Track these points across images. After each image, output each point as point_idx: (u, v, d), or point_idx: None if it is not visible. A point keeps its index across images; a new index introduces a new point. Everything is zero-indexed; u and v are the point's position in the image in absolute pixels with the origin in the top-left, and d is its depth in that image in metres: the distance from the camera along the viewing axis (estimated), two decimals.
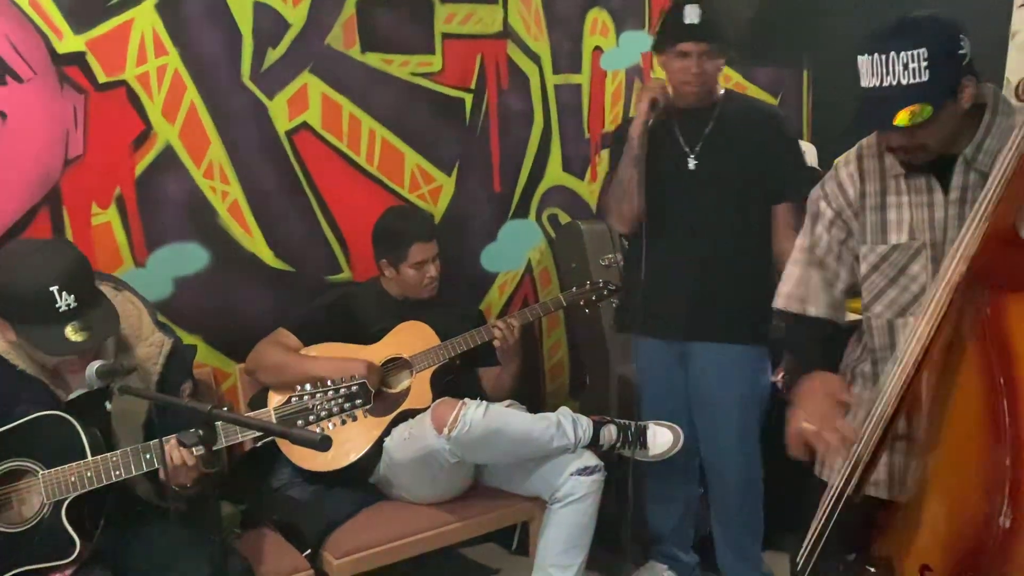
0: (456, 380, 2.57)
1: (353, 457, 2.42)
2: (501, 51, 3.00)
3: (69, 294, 1.78)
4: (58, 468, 1.82)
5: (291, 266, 2.71)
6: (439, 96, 2.90)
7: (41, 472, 1.83)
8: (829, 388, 1.73)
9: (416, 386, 2.50)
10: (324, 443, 1.43)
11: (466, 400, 2.33)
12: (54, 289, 1.77)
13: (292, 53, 2.62)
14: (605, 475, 2.43)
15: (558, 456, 2.40)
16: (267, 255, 2.67)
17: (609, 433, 2.44)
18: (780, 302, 1.90)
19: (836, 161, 1.83)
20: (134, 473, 1.85)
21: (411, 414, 2.47)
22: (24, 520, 1.83)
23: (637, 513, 2.72)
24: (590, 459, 2.41)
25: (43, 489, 1.82)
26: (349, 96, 2.73)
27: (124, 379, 1.81)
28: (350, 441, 2.43)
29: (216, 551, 1.69)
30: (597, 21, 3.19)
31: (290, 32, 2.62)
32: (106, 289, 2.01)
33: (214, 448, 1.67)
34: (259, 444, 2.48)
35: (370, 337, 2.55)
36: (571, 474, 2.37)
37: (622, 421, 2.49)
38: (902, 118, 1.52)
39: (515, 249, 3.15)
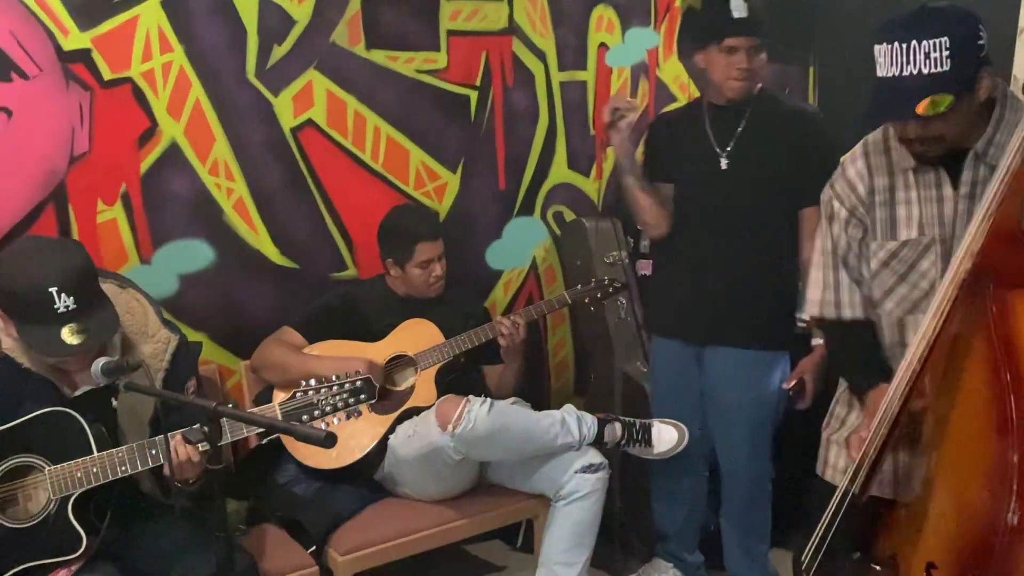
0: (461, 378, 2.57)
1: (358, 454, 2.42)
2: (506, 48, 3.00)
3: (69, 296, 1.78)
4: (64, 464, 1.83)
5: (296, 263, 2.71)
6: (444, 93, 2.89)
7: (47, 468, 1.83)
8: None
9: (421, 384, 2.51)
10: (329, 440, 1.43)
11: (470, 397, 2.33)
12: (53, 290, 1.77)
13: (297, 50, 2.62)
14: (610, 473, 2.43)
15: (563, 454, 2.40)
16: (272, 252, 2.67)
17: (614, 431, 2.44)
18: (814, 309, 1.87)
19: (843, 159, 1.82)
20: (140, 469, 1.85)
21: (416, 412, 2.47)
22: (31, 516, 1.84)
23: (642, 510, 2.72)
24: (595, 457, 2.41)
25: (49, 485, 1.82)
26: (354, 93, 2.73)
27: (130, 376, 1.82)
28: (355, 438, 2.43)
29: (221, 547, 1.69)
30: (603, 18, 3.19)
31: (295, 29, 2.62)
32: (111, 287, 2.01)
33: (219, 444, 1.67)
34: (264, 440, 2.48)
35: (374, 335, 2.55)
36: (576, 472, 2.37)
37: (627, 419, 2.49)
38: (925, 107, 1.51)
39: (520, 247, 3.15)
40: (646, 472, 2.65)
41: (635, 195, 2.43)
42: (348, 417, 1.86)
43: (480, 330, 2.54)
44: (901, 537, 1.62)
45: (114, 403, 1.92)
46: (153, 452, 1.86)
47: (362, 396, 1.87)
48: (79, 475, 1.82)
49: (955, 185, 1.65)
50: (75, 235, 2.36)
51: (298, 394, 1.88)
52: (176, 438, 1.83)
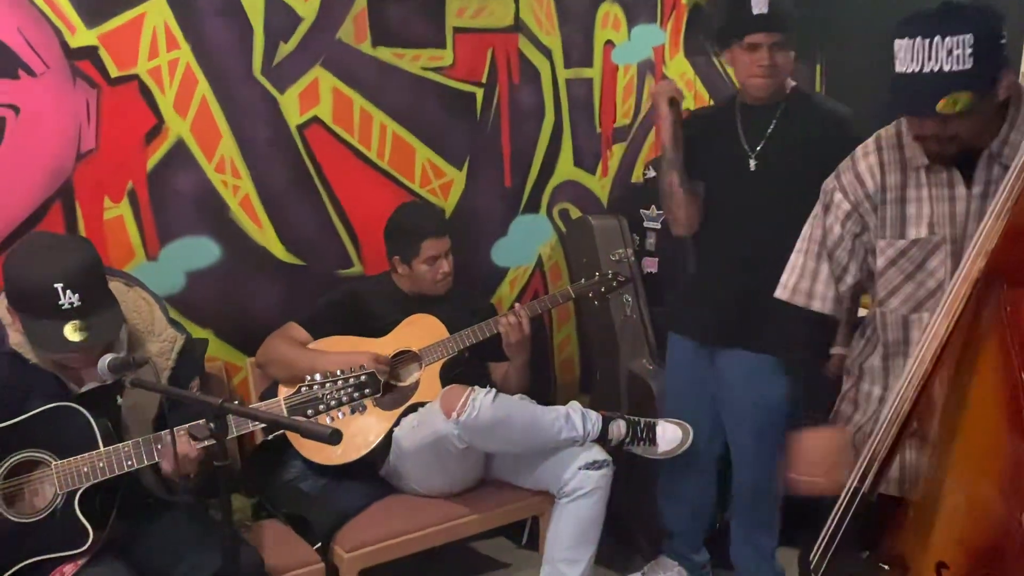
0: (466, 373, 2.57)
1: (363, 450, 2.42)
2: (512, 45, 2.99)
3: (74, 293, 1.78)
4: (71, 459, 1.83)
5: (302, 260, 2.72)
6: (450, 90, 2.89)
7: (54, 463, 1.84)
8: (833, 445, 1.73)
9: (425, 379, 2.51)
10: (334, 437, 1.43)
11: (476, 387, 2.34)
12: (58, 286, 1.77)
13: (303, 47, 2.62)
14: (613, 469, 2.42)
15: (566, 449, 2.40)
16: (278, 249, 2.68)
17: (618, 428, 2.44)
18: (784, 293, 1.87)
19: (854, 151, 1.80)
20: (146, 463, 1.86)
21: (421, 407, 2.47)
22: (37, 510, 1.84)
23: (648, 508, 2.72)
24: (598, 453, 2.41)
25: (56, 480, 1.83)
26: (360, 90, 2.73)
27: (136, 373, 1.82)
28: (360, 434, 2.43)
29: (227, 543, 1.69)
30: (609, 15, 3.18)
31: (301, 26, 2.62)
32: (118, 285, 2.02)
33: (224, 440, 1.67)
34: (270, 437, 2.48)
35: (379, 331, 2.55)
36: (579, 468, 2.37)
37: (632, 417, 2.48)
38: (945, 104, 1.49)
39: (526, 244, 3.15)
40: (652, 470, 2.64)
41: (674, 190, 2.39)
42: (353, 411, 1.86)
43: (484, 324, 2.54)
44: (911, 536, 1.61)
45: (119, 400, 1.93)
46: (159, 447, 1.87)
47: (366, 390, 1.87)
48: (86, 470, 1.83)
49: (968, 184, 1.63)
50: (82, 232, 2.36)
51: (303, 389, 1.88)
52: (181, 434, 1.83)
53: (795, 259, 1.86)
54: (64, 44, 2.29)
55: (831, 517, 1.64)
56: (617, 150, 3.29)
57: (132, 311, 2.02)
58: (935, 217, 1.66)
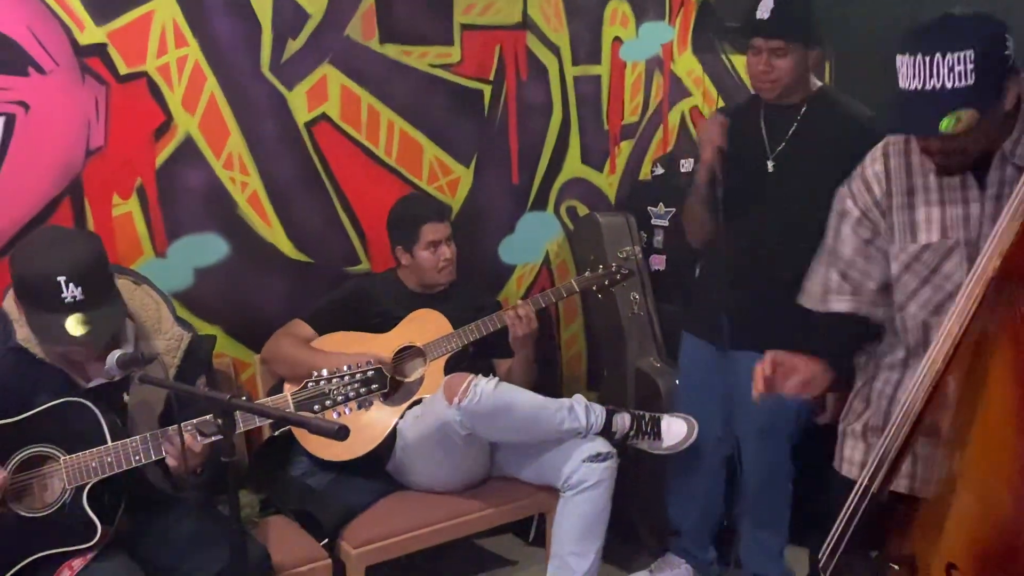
0: (470, 369, 2.57)
1: (370, 445, 2.42)
2: (520, 42, 2.99)
3: (77, 286, 1.79)
4: (79, 454, 1.84)
5: (310, 257, 2.72)
6: (458, 88, 2.89)
7: (62, 458, 1.84)
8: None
9: (430, 375, 2.51)
10: (342, 432, 1.43)
11: (479, 374, 2.34)
12: (61, 279, 1.78)
13: (311, 44, 2.63)
14: (618, 462, 2.42)
15: (570, 441, 2.39)
16: (286, 246, 2.68)
17: (623, 421, 2.44)
18: (807, 301, 1.88)
19: (865, 158, 1.80)
20: (153, 458, 1.87)
21: None
22: (46, 505, 1.85)
23: (655, 506, 2.71)
24: (602, 446, 2.40)
25: (64, 474, 1.84)
26: (368, 88, 2.74)
27: (144, 368, 1.83)
28: (366, 430, 2.43)
29: (234, 538, 1.69)
30: (617, 12, 3.18)
31: (309, 23, 2.62)
32: (125, 283, 2.02)
33: (231, 436, 1.67)
34: (277, 432, 2.49)
35: (384, 327, 2.56)
36: (583, 461, 2.37)
37: (637, 411, 2.48)
38: (947, 124, 1.47)
39: (533, 241, 3.15)
40: (659, 468, 2.64)
41: (698, 216, 2.38)
42: (360, 407, 1.86)
43: (488, 319, 2.54)
44: (921, 537, 1.60)
45: (125, 398, 1.93)
46: (165, 443, 1.87)
47: (374, 386, 1.87)
48: (94, 464, 1.84)
49: (981, 186, 1.61)
50: (91, 228, 2.37)
51: (310, 384, 1.88)
52: (187, 429, 1.83)
53: (814, 266, 1.87)
54: (73, 41, 2.30)
55: (841, 516, 1.63)
56: (625, 147, 3.28)
57: (139, 309, 2.03)
58: (948, 221, 1.65)
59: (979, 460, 1.49)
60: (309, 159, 2.68)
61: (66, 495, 1.84)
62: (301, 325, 2.52)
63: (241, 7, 2.51)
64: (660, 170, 3.25)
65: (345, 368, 1.89)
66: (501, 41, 2.96)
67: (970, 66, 1.45)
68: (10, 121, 2.24)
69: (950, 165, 1.61)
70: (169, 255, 2.50)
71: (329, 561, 2.24)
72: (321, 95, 2.67)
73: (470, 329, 2.53)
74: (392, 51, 2.76)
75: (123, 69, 2.37)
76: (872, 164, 1.75)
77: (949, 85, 1.47)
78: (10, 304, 1.92)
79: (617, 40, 3.19)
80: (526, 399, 2.38)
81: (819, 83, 2.32)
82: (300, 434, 2.44)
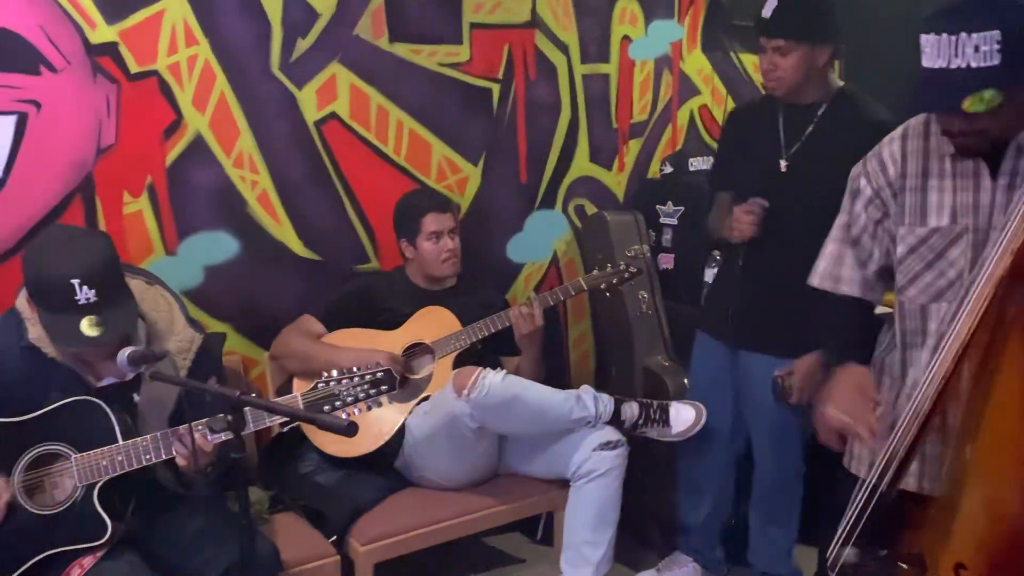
0: (478, 365, 2.57)
1: (379, 442, 2.43)
2: (529, 41, 2.99)
3: (90, 288, 1.80)
4: (90, 452, 1.85)
5: (319, 255, 2.73)
6: (466, 86, 2.89)
7: (73, 456, 1.85)
8: (861, 382, 1.71)
9: (438, 372, 2.51)
10: (351, 429, 1.44)
11: (487, 367, 2.35)
12: (75, 281, 1.79)
13: (321, 43, 2.63)
14: (628, 449, 2.42)
15: (579, 431, 2.40)
16: (296, 244, 2.69)
17: (631, 410, 2.44)
18: (815, 280, 1.88)
19: (882, 139, 1.79)
20: (164, 457, 1.87)
21: None
22: (57, 503, 1.86)
23: (663, 504, 2.71)
24: (612, 434, 2.41)
25: (75, 473, 1.85)
26: (377, 86, 2.74)
27: (155, 366, 1.84)
28: (375, 427, 2.44)
29: (244, 535, 1.70)
30: (626, 10, 3.17)
31: (319, 22, 2.63)
32: (138, 283, 2.03)
33: (241, 433, 1.68)
34: (286, 429, 2.50)
35: (393, 324, 2.57)
36: (593, 449, 2.37)
37: (644, 400, 2.48)
38: (971, 103, 1.46)
39: (541, 240, 3.15)
40: (667, 465, 2.64)
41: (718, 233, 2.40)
42: (369, 408, 1.87)
43: (497, 316, 2.54)
44: (930, 535, 1.59)
45: (136, 398, 1.94)
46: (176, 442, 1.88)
47: (383, 387, 1.87)
48: (105, 463, 1.85)
49: (994, 175, 1.61)
50: (102, 227, 2.38)
51: (319, 385, 1.89)
52: (198, 428, 1.84)
53: (826, 246, 1.87)
54: (85, 40, 2.31)
55: (849, 513, 1.63)
56: (634, 146, 3.28)
57: (152, 309, 2.04)
58: (958, 206, 1.65)
59: (987, 460, 1.49)
60: (318, 158, 2.69)
61: (77, 493, 1.85)
62: (311, 320, 2.53)
63: (251, 6, 2.51)
64: (669, 169, 3.24)
65: (355, 369, 1.90)
66: (510, 40, 2.96)
67: (996, 46, 1.45)
68: (22, 119, 2.25)
69: (968, 146, 1.60)
70: (179, 253, 2.51)
71: (338, 558, 2.25)
72: (330, 94, 2.67)
73: (478, 327, 2.53)
74: (401, 50, 2.76)
75: (134, 68, 2.38)
76: (890, 143, 1.75)
77: (974, 64, 1.46)
78: (22, 303, 1.93)
79: (626, 38, 3.19)
80: (534, 390, 2.39)
81: (840, 83, 2.29)
82: (310, 431, 2.45)
